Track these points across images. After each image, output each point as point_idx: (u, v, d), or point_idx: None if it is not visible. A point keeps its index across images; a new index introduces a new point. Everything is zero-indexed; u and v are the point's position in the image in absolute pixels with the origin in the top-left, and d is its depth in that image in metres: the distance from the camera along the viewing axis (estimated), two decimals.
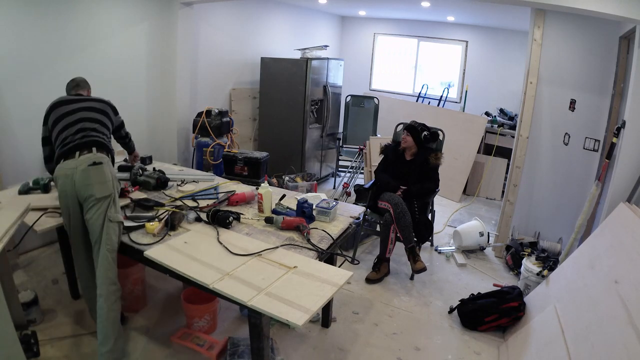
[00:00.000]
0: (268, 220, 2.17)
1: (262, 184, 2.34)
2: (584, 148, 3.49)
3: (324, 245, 2.01)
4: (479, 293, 2.79)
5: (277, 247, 1.94)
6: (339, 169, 5.30)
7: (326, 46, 5.23)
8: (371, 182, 3.47)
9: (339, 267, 1.97)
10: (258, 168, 3.49)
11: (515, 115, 5.54)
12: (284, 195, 2.51)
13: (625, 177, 2.60)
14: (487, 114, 5.78)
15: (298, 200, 2.26)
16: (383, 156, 3.44)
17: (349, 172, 4.81)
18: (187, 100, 4.20)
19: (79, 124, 2.16)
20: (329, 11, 6.62)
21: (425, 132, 3.23)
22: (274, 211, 2.33)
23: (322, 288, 1.64)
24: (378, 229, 3.35)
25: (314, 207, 2.30)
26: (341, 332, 2.52)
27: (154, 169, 2.75)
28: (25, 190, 2.37)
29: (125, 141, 2.70)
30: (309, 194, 2.70)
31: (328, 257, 2.14)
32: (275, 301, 1.53)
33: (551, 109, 3.54)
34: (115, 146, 3.58)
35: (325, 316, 2.55)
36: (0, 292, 1.53)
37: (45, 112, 2.26)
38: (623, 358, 1.58)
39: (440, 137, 3.51)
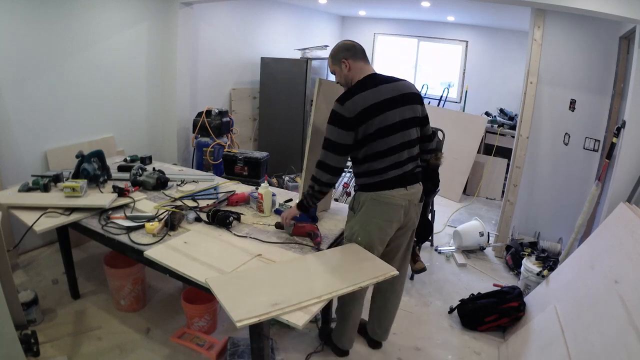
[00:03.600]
0: (279, 226, 2.13)
1: (262, 184, 2.34)
2: (584, 148, 3.49)
3: (324, 246, 2.01)
4: (479, 293, 2.79)
5: (277, 246, 1.94)
6: None
7: (326, 46, 5.23)
8: None
9: None
10: (258, 168, 3.48)
11: (515, 115, 5.54)
12: (290, 199, 2.50)
13: (625, 177, 2.60)
14: (487, 114, 5.78)
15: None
16: None
17: (349, 172, 4.81)
18: (187, 100, 4.20)
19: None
20: (329, 11, 6.62)
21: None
22: (276, 211, 2.34)
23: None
24: None
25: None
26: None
27: (153, 169, 2.75)
28: (25, 190, 2.37)
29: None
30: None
31: None
32: None
33: (551, 109, 3.54)
34: (115, 145, 3.61)
35: (325, 316, 2.55)
36: (0, 292, 1.53)
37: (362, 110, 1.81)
38: (623, 358, 1.58)
39: (440, 137, 3.51)
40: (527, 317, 2.53)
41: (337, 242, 2.15)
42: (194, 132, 4.01)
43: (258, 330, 1.58)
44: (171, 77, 4.02)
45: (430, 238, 3.70)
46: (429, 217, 3.45)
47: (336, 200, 3.66)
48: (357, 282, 1.70)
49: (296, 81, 4.76)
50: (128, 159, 3.13)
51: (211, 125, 3.91)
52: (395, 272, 1.82)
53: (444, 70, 6.80)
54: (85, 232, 2.14)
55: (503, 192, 4.58)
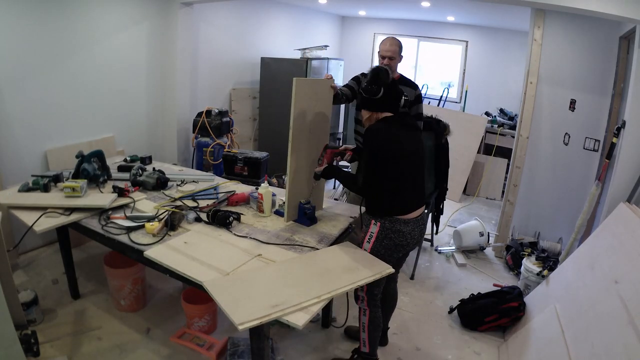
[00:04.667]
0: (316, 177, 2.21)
1: (262, 184, 2.34)
2: (584, 148, 3.49)
3: (323, 246, 2.01)
4: (479, 293, 2.79)
5: (277, 246, 1.95)
6: None
7: (326, 46, 5.23)
8: None
9: None
10: (258, 168, 3.48)
11: (515, 115, 5.55)
12: None
13: (625, 177, 2.60)
14: (487, 114, 5.78)
15: (300, 203, 2.25)
16: None
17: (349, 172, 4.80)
18: (187, 100, 4.19)
19: None
20: (329, 11, 6.62)
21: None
22: (277, 212, 2.34)
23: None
24: None
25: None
26: (341, 333, 2.52)
27: (153, 169, 2.75)
28: (25, 190, 2.37)
29: None
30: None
31: None
32: None
33: (551, 109, 3.54)
34: (115, 145, 3.61)
35: (325, 316, 2.55)
36: (0, 292, 1.53)
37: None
38: (623, 358, 1.58)
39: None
40: (527, 317, 2.53)
41: (337, 242, 2.15)
42: (194, 132, 4.01)
43: (258, 331, 1.58)
44: (171, 77, 4.02)
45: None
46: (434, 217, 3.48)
47: (336, 200, 3.65)
48: (355, 280, 1.71)
49: None
50: (128, 159, 3.13)
51: (211, 125, 3.91)
52: (391, 270, 1.83)
53: (444, 70, 6.80)
54: (85, 232, 2.14)
55: (503, 192, 4.58)
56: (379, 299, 2.10)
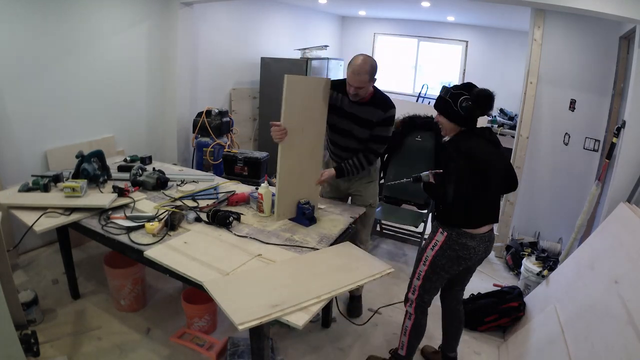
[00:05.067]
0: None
1: (262, 184, 2.34)
2: (584, 148, 3.49)
3: (323, 246, 2.01)
4: (479, 293, 2.79)
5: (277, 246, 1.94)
6: None
7: (326, 46, 5.24)
8: None
9: None
10: (258, 168, 3.48)
11: (515, 115, 5.54)
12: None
13: (625, 177, 2.60)
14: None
15: (298, 202, 2.25)
16: None
17: None
18: (187, 101, 4.20)
19: None
20: (329, 11, 6.63)
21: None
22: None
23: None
24: (378, 228, 3.34)
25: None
26: (341, 333, 2.52)
27: (153, 169, 2.75)
28: (25, 190, 2.36)
29: None
30: None
31: None
32: None
33: (551, 109, 3.54)
34: (115, 145, 3.61)
35: (325, 316, 2.55)
36: (0, 292, 1.53)
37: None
38: (623, 358, 1.58)
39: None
40: (527, 317, 2.53)
41: (337, 242, 2.15)
42: (194, 132, 4.01)
43: (258, 331, 1.58)
44: (171, 77, 4.02)
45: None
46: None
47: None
48: (355, 280, 1.71)
49: None
50: (128, 159, 3.13)
51: (211, 125, 3.91)
52: (391, 270, 1.83)
53: (444, 70, 6.81)
54: (85, 232, 2.14)
55: None
56: (427, 308, 2.11)
